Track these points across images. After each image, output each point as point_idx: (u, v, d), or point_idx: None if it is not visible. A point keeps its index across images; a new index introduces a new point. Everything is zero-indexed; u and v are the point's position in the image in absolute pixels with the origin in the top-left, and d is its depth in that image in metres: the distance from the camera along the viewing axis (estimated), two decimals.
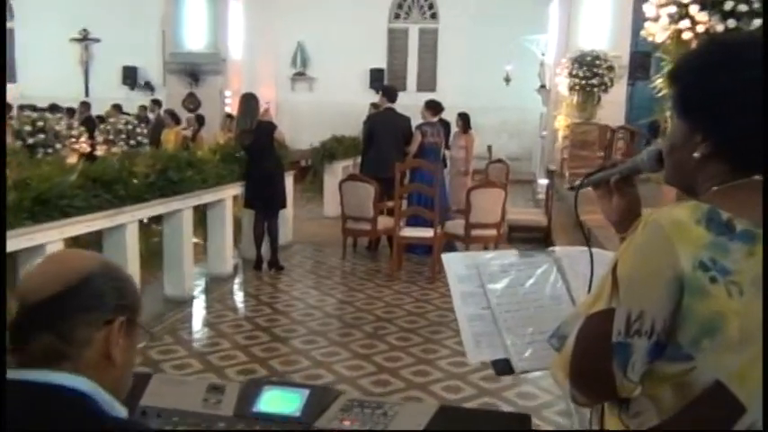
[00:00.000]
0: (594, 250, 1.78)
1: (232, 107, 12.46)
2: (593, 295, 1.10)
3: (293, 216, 7.52)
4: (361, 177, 6.79)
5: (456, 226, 6.56)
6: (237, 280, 6.10)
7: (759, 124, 1.01)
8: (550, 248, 1.71)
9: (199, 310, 5.24)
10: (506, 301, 1.60)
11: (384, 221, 6.62)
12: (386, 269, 6.37)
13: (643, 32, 4.67)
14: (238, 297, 5.74)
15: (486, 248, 6.73)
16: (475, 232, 6.37)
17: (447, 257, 1.66)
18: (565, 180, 9.64)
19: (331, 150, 9.11)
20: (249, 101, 6.31)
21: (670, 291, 0.99)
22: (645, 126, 9.97)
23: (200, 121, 10.77)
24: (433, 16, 15.97)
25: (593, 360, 1.05)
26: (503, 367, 1.50)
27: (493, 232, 6.42)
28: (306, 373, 3.88)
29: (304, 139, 11.51)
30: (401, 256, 6.40)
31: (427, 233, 6.18)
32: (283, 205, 6.51)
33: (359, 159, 9.47)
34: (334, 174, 8.95)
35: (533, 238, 7.44)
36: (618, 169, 1.32)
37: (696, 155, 1.07)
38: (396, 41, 16.23)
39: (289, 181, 7.02)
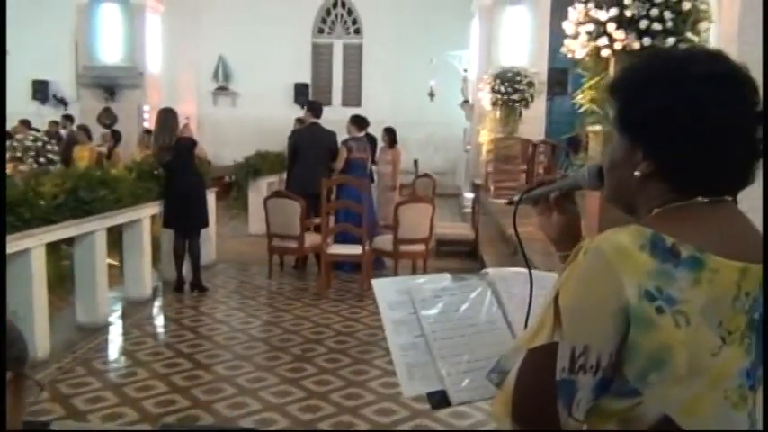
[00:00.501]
0: (526, 270, 1.74)
1: (150, 122, 12.05)
2: (534, 327, 1.02)
3: (216, 234, 7.27)
4: (287, 194, 6.63)
5: (384, 242, 6.50)
6: (157, 303, 5.81)
7: (703, 143, 0.96)
8: (484, 270, 1.65)
9: (114, 338, 4.94)
10: (440, 327, 1.52)
11: (311, 239, 6.48)
12: (314, 287, 6.23)
13: (563, 49, 4.75)
14: (158, 322, 5.46)
15: (414, 264, 6.71)
16: (403, 248, 6.32)
17: (377, 283, 1.58)
18: (490, 193, 9.78)
19: (255, 166, 8.92)
20: (167, 116, 6.06)
21: (616, 323, 0.93)
22: (564, 141, 10.28)
23: (117, 137, 10.33)
24: (357, 32, 16.02)
25: (537, 398, 0.98)
26: (439, 400, 1.42)
27: (421, 247, 6.39)
28: (230, 402, 3.69)
29: (227, 155, 11.25)
30: (329, 274, 6.27)
31: (355, 250, 6.08)
32: (205, 224, 6.28)
33: (284, 175, 9.32)
34: (259, 190, 8.75)
35: (461, 252, 7.47)
36: (558, 185, 1.27)
37: (637, 173, 1.02)
38: (320, 56, 16.17)
39: (211, 198, 6.78)
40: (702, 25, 4.36)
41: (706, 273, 0.94)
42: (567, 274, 1.00)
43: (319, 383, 3.96)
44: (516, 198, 1.37)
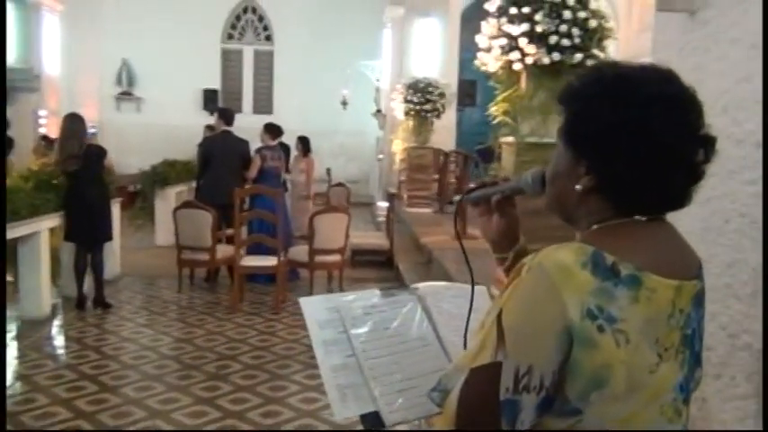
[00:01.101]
0: (457, 285, 1.74)
1: (48, 128, 11.40)
2: (476, 346, 1.00)
3: (121, 246, 6.92)
4: (197, 204, 6.40)
5: (299, 252, 6.40)
6: (57, 322, 5.44)
7: (645, 164, 0.97)
8: (413, 286, 1.63)
9: (9, 361, 4.58)
10: (371, 346, 1.49)
11: (223, 250, 6.29)
12: (227, 301, 6.03)
13: (477, 62, 4.84)
14: (58, 342, 5.11)
15: (330, 275, 6.64)
16: (319, 258, 6.24)
17: (305, 302, 1.53)
18: (404, 202, 9.86)
19: (163, 175, 8.60)
20: (74, 122, 5.72)
21: (559, 343, 0.93)
22: (475, 151, 10.54)
23: (9, 143, 9.66)
24: (268, 38, 15.81)
25: (480, 418, 0.96)
26: (373, 421, 1.38)
27: (337, 258, 6.33)
28: (141, 425, 3.49)
29: (131, 163, 10.76)
30: (243, 287, 6.10)
31: (270, 261, 5.94)
32: (109, 237, 5.96)
33: (194, 184, 9.03)
34: (167, 200, 8.43)
35: (376, 262, 7.47)
36: (500, 188, 1.27)
37: (578, 187, 1.02)
38: (230, 62, 15.84)
39: (115, 208, 6.45)
40: (607, 42, 4.57)
41: (644, 291, 0.95)
42: (510, 292, 0.99)
43: (236, 402, 3.82)
44: (458, 198, 1.38)
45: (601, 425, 0.95)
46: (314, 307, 1.52)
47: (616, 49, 4.91)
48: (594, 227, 1.03)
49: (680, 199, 1.02)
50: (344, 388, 1.43)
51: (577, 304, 0.92)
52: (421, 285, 1.64)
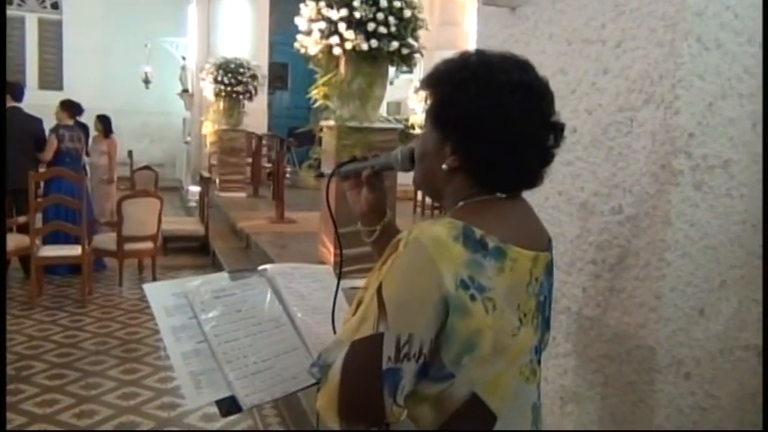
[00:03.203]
0: (304, 265, 1.76)
1: None
2: (356, 319, 1.04)
3: None
4: None
5: (106, 240, 5.96)
6: None
7: (504, 147, 1.06)
8: (261, 267, 1.62)
9: None
10: (223, 330, 1.46)
11: (15, 240, 5.65)
12: (22, 296, 5.45)
13: (296, 44, 4.83)
14: None
15: (141, 263, 6.28)
16: (129, 246, 5.86)
17: (150, 288, 1.46)
18: (216, 186, 9.56)
19: None
20: None
21: (437, 312, 0.99)
22: (290, 134, 10.48)
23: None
24: (55, 6, 14.36)
25: (363, 389, 1.00)
26: (229, 406, 1.36)
27: (149, 245, 5.98)
28: None
29: None
30: (41, 280, 5.54)
31: (73, 251, 5.46)
32: None
33: None
34: None
35: (191, 248, 7.19)
36: (370, 163, 1.32)
37: (444, 166, 1.09)
38: (10, 31, 14.11)
39: None
40: (420, 33, 4.80)
41: (508, 262, 1.04)
42: (389, 266, 1.03)
43: (43, 404, 3.48)
44: (330, 172, 1.38)
45: (470, 387, 1.03)
46: (160, 293, 1.46)
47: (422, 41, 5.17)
48: (461, 203, 1.10)
49: (534, 179, 1.12)
50: (197, 375, 1.39)
51: (452, 275, 0.98)
52: (269, 267, 1.64)
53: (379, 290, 1.01)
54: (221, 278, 1.55)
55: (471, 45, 4.97)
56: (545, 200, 1.74)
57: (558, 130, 1.11)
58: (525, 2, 1.91)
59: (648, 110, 1.40)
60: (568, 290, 1.65)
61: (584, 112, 1.61)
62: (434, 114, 1.11)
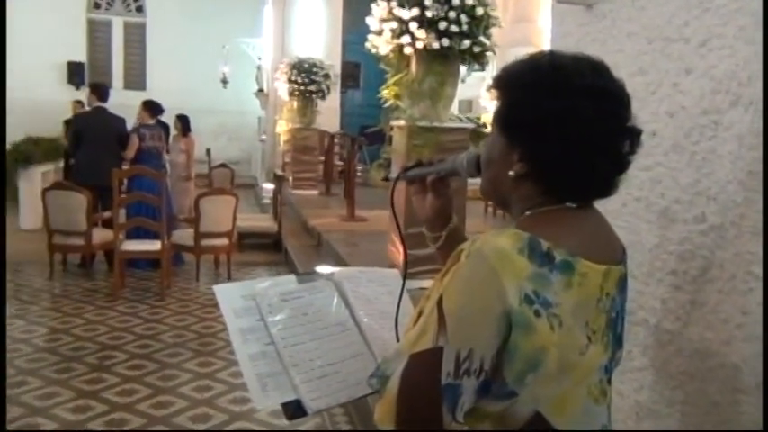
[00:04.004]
0: (371, 269, 1.75)
1: None
2: (416, 331, 1.01)
3: None
4: (69, 185, 5.99)
5: (184, 236, 6.16)
6: None
7: (574, 153, 1.01)
8: (329, 271, 1.62)
9: None
10: (290, 333, 1.46)
11: (101, 235, 5.93)
12: (106, 288, 5.71)
13: (367, 44, 4.84)
14: None
15: (217, 259, 6.46)
16: (205, 242, 6.04)
17: (220, 289, 1.48)
18: (289, 184, 9.74)
19: (27, 153, 7.95)
20: None
21: (499, 327, 0.95)
22: (361, 133, 10.54)
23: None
24: (139, 9, 14.97)
25: (422, 403, 0.97)
26: (294, 409, 1.36)
27: (224, 241, 6.15)
28: (20, 424, 3.24)
29: None
30: (123, 273, 5.79)
31: (153, 246, 5.68)
32: None
33: (62, 164, 8.44)
34: (32, 180, 7.85)
35: (264, 245, 7.35)
36: (435, 168, 1.29)
37: (511, 173, 1.05)
38: (97, 33, 14.86)
39: None
40: (493, 30, 4.72)
41: (576, 276, 0.99)
42: (450, 277, 1.00)
43: (123, 394, 3.64)
44: (395, 176, 1.36)
45: (534, 405, 0.98)
46: (229, 295, 1.47)
47: (495, 38, 5.09)
48: (528, 213, 1.06)
49: (607, 187, 1.07)
50: (264, 377, 1.40)
51: (515, 289, 0.94)
52: (336, 270, 1.63)
53: (439, 302, 0.98)
54: (289, 281, 1.55)
55: (546, 42, 4.86)
56: (622, 206, 1.67)
57: (634, 135, 1.05)
58: None
59: (735, 112, 1.32)
60: (646, 301, 1.58)
61: (665, 115, 1.53)
62: (501, 118, 1.07)
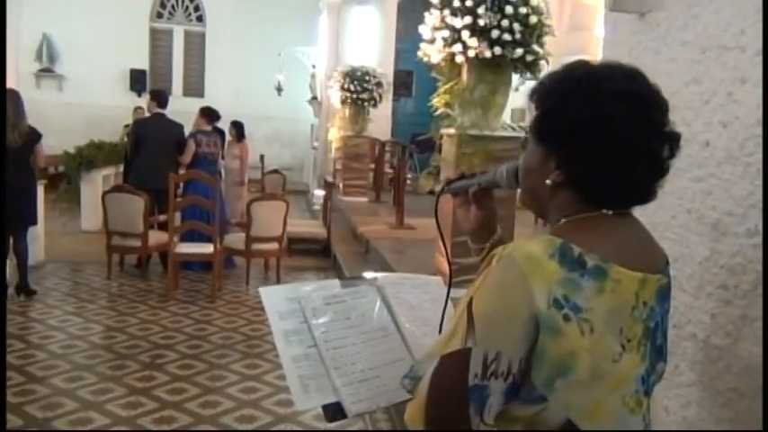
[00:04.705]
0: (415, 275, 1.75)
1: None
2: (447, 333, 1.03)
3: (45, 231, 6.62)
4: (128, 188, 6.20)
5: (236, 240, 6.29)
6: None
7: (611, 160, 1.00)
8: (372, 276, 1.63)
9: None
10: (332, 336, 1.48)
11: (156, 237, 6.11)
12: (160, 289, 5.87)
13: (419, 53, 4.86)
14: None
15: (267, 263, 6.56)
16: (256, 246, 6.15)
17: (265, 291, 1.51)
18: (339, 191, 9.83)
19: (89, 157, 8.25)
20: (20, 99, 5.38)
21: (527, 330, 0.96)
22: (412, 141, 10.57)
23: None
24: (200, 19, 15.37)
25: (449, 404, 0.99)
26: (334, 412, 1.38)
27: (274, 246, 6.26)
28: (72, 418, 3.36)
29: (50, 144, 10.28)
30: (177, 274, 5.94)
31: (206, 249, 5.81)
32: (34, 221, 5.68)
33: (122, 168, 8.72)
34: (93, 183, 8.13)
35: (313, 250, 7.43)
36: (477, 180, 1.31)
37: (548, 182, 1.06)
38: (159, 42, 15.32)
39: (39, 191, 6.14)
40: (546, 39, 4.68)
41: (609, 282, 0.98)
42: (481, 281, 1.01)
43: (173, 392, 3.73)
44: (439, 189, 1.38)
45: (566, 413, 0.98)
46: (274, 297, 1.50)
47: (550, 47, 5.03)
48: (563, 220, 1.06)
49: (645, 193, 1.06)
50: (306, 379, 1.42)
51: (544, 293, 0.95)
52: (380, 275, 1.65)
53: (469, 305, 1.00)
54: (333, 285, 1.57)
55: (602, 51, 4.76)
56: (672, 218, 1.63)
57: (673, 140, 1.03)
58: (656, 7, 1.80)
59: None
60: (695, 315, 1.54)
61: (719, 125, 1.50)
62: (537, 128, 1.08)
